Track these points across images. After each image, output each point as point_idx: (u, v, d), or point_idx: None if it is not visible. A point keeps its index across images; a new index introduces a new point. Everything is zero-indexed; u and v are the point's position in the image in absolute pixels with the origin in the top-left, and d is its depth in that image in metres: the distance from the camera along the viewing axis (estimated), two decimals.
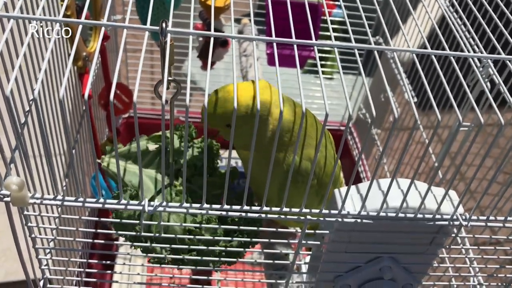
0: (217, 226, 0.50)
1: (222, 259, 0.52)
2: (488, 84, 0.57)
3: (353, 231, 0.47)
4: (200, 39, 0.86)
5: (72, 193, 0.66)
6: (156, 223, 0.50)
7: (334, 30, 0.45)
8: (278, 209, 0.45)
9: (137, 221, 0.49)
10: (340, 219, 0.46)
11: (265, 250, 0.57)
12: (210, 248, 0.51)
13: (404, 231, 0.48)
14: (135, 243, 0.51)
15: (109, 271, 0.71)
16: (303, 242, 0.49)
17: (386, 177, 0.94)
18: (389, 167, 1.00)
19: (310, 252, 0.56)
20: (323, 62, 1.18)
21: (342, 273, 0.52)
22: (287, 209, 0.45)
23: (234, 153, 0.54)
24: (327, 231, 0.48)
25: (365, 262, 0.51)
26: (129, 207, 0.44)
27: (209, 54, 0.40)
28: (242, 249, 0.53)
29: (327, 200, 0.46)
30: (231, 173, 0.55)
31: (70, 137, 0.40)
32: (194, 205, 0.44)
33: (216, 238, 0.51)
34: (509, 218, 0.48)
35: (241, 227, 0.50)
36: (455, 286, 0.62)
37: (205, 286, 0.52)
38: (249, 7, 0.48)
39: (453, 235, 0.50)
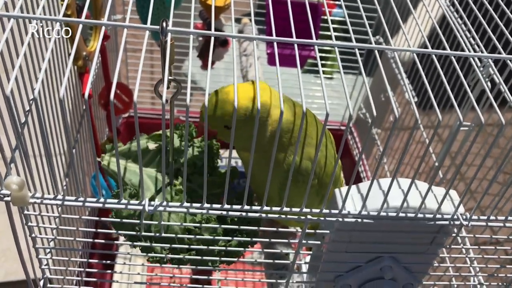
0: (217, 225, 0.50)
1: (222, 258, 0.52)
2: (489, 83, 0.57)
3: (354, 231, 0.47)
4: (200, 38, 0.86)
5: (72, 192, 0.66)
6: (156, 222, 0.50)
7: (334, 29, 0.45)
8: (278, 208, 0.45)
9: (137, 221, 0.49)
10: (340, 219, 0.46)
11: (265, 250, 0.57)
12: (209, 247, 0.51)
13: (405, 231, 0.48)
14: (135, 243, 0.51)
15: (109, 271, 0.71)
16: (304, 241, 0.49)
17: (386, 176, 0.94)
18: (389, 167, 1.00)
19: (311, 252, 0.56)
20: (323, 62, 1.18)
21: (342, 273, 0.51)
22: (288, 209, 0.45)
23: (234, 153, 0.54)
24: (328, 231, 0.48)
25: (365, 262, 0.50)
26: (129, 206, 0.44)
27: (210, 53, 0.40)
28: (241, 249, 0.53)
29: (328, 200, 0.46)
30: (231, 172, 0.55)
31: (70, 136, 0.40)
32: (194, 204, 0.44)
33: (215, 237, 0.51)
34: (509, 218, 0.48)
35: (241, 227, 0.50)
36: (455, 285, 0.62)
37: (205, 286, 0.52)
38: (249, 7, 0.48)
39: (454, 234, 0.50)
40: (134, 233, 0.49)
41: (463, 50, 0.47)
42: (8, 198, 0.41)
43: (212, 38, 0.41)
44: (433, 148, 0.89)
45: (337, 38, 1.03)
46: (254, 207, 0.45)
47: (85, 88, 0.64)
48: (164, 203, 0.44)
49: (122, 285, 0.88)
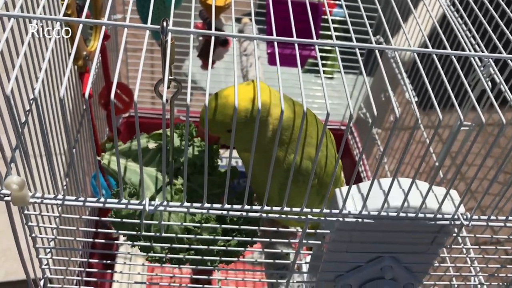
0: (217, 225, 0.50)
1: (221, 258, 0.51)
2: (489, 83, 0.57)
3: (354, 231, 0.47)
4: (200, 38, 0.86)
5: (72, 192, 0.66)
6: (156, 222, 0.50)
7: (335, 29, 0.45)
8: (279, 208, 0.45)
9: (137, 221, 0.49)
10: (341, 219, 0.46)
11: (265, 250, 0.57)
12: (209, 247, 0.51)
13: (405, 231, 0.48)
14: (135, 242, 0.51)
15: (109, 271, 0.71)
16: (304, 241, 0.49)
17: (386, 176, 0.94)
18: (389, 167, 1.00)
19: (311, 252, 0.56)
20: (323, 62, 1.18)
21: (343, 273, 0.51)
22: (288, 209, 0.45)
23: (234, 153, 0.54)
24: (328, 231, 0.48)
25: (366, 262, 0.50)
26: (130, 206, 0.44)
27: (210, 53, 0.40)
28: (241, 249, 0.53)
29: (328, 200, 0.46)
30: (231, 172, 0.55)
31: (71, 136, 0.40)
32: (195, 204, 0.44)
33: (215, 237, 0.51)
34: (510, 218, 0.48)
35: (240, 227, 0.50)
36: (456, 285, 0.62)
37: (205, 286, 0.52)
38: (250, 7, 0.48)
39: (454, 234, 0.50)
40: (134, 233, 0.49)
41: (463, 49, 0.47)
42: (9, 198, 0.41)
43: (213, 38, 0.41)
44: (433, 148, 0.89)
45: (337, 38, 1.03)
46: (254, 207, 0.45)
47: (85, 87, 0.64)
48: (165, 203, 0.44)
49: (122, 285, 0.88)
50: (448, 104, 0.46)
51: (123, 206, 0.44)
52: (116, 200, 0.44)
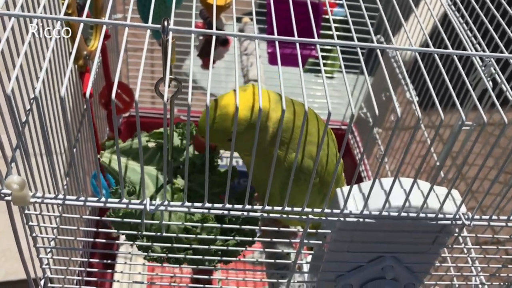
0: (218, 225, 0.50)
1: (219, 258, 0.51)
2: (491, 83, 0.57)
3: (355, 231, 0.47)
4: (201, 37, 0.85)
5: (73, 192, 0.66)
6: (156, 222, 0.49)
7: (336, 29, 0.45)
8: (280, 208, 0.45)
9: (137, 220, 0.48)
10: (342, 219, 0.45)
11: (266, 249, 0.57)
12: (206, 247, 0.51)
13: (407, 231, 0.47)
14: (134, 242, 0.50)
15: (110, 270, 0.71)
16: (305, 241, 0.48)
17: (387, 176, 0.94)
18: (390, 167, 1.00)
19: (312, 252, 0.56)
20: (323, 61, 1.18)
21: (344, 273, 0.51)
22: (289, 208, 0.45)
23: (234, 153, 0.54)
24: (329, 230, 0.47)
25: (367, 262, 0.50)
26: (130, 206, 0.44)
27: (211, 52, 0.40)
28: (240, 248, 0.52)
29: (329, 199, 0.46)
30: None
31: (71, 135, 0.39)
32: (196, 204, 0.44)
33: (214, 237, 0.51)
34: (511, 218, 0.48)
35: (239, 226, 0.50)
36: (457, 285, 0.62)
37: (206, 286, 0.52)
38: (250, 6, 0.48)
39: (455, 234, 0.50)
40: (134, 232, 0.49)
41: (464, 49, 0.47)
42: (9, 198, 0.40)
43: (214, 37, 0.41)
44: (434, 148, 0.89)
45: (338, 37, 1.03)
46: (255, 207, 0.45)
47: (86, 87, 0.64)
48: (166, 202, 0.44)
49: (122, 284, 0.87)
50: (449, 104, 0.46)
51: (124, 205, 0.44)
52: (117, 200, 0.44)
